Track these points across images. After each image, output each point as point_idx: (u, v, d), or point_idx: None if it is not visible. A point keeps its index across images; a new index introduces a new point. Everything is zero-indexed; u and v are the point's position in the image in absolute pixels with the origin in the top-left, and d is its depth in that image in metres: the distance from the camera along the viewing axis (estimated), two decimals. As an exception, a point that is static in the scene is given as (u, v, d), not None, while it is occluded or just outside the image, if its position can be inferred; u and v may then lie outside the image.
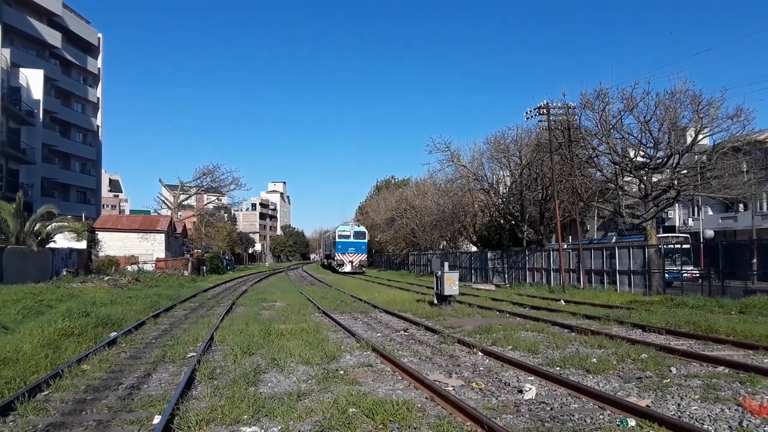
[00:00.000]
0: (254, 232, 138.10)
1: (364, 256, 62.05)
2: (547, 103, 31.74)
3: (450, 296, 19.73)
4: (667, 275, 26.84)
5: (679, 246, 30.79)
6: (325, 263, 76.01)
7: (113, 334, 12.91)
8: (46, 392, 7.94)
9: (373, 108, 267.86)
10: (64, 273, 32.30)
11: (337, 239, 60.95)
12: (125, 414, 6.95)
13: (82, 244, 37.64)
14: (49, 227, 32.34)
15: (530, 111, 32.85)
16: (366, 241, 63.29)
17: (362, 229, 63.78)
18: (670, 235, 33.22)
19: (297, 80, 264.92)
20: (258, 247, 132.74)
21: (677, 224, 48.45)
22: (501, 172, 44.17)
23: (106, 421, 6.72)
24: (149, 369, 9.71)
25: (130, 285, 30.14)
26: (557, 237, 31.92)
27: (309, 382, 8.57)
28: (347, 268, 59.73)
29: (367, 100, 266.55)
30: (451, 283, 19.55)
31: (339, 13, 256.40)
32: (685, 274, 26.19)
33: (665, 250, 27.97)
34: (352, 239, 60.57)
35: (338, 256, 60.41)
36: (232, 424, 6.46)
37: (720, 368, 9.36)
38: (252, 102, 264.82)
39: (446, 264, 21.24)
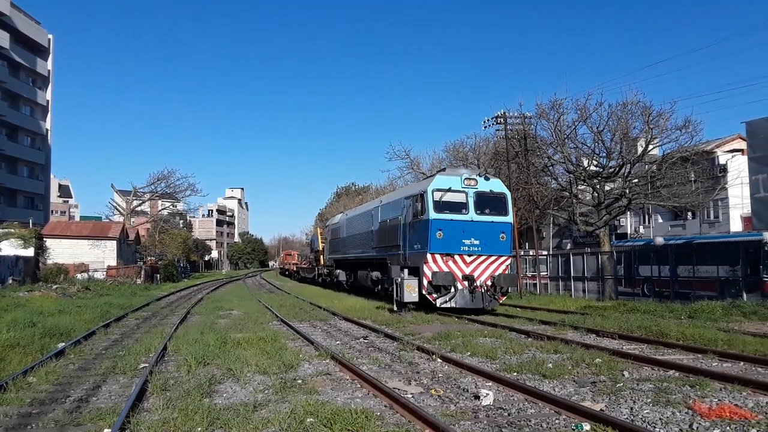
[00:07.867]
0: (211, 239, 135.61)
1: (507, 261, 21.04)
2: (504, 113, 32.32)
3: (410, 303, 19.75)
4: None
5: None
6: (328, 277, 39.00)
7: (61, 345, 12.44)
8: (-12, 407, 7.57)
9: (334, 114, 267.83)
10: (10, 281, 31.11)
11: (431, 215, 19.52)
12: (73, 428, 6.68)
13: (29, 252, 36.37)
14: (-6, 234, 31.15)
15: (488, 120, 33.41)
16: (510, 220, 21.45)
17: (501, 186, 21.64)
18: None
19: (255, 84, 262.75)
20: (215, 254, 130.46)
21: (629, 231, 49.84)
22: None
23: (52, 436, 6.45)
24: (99, 381, 9.37)
25: (80, 294, 29.19)
26: (514, 244, 32.34)
27: (266, 392, 8.41)
28: (461, 301, 19.51)
29: (328, 105, 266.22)
30: (411, 290, 19.57)
31: (300, 19, 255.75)
32: None
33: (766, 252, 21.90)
34: (472, 215, 20.00)
35: (432, 263, 19.57)
36: (186, 436, 6.30)
37: (671, 372, 9.60)
38: (209, 106, 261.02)
39: (405, 270, 21.24)
